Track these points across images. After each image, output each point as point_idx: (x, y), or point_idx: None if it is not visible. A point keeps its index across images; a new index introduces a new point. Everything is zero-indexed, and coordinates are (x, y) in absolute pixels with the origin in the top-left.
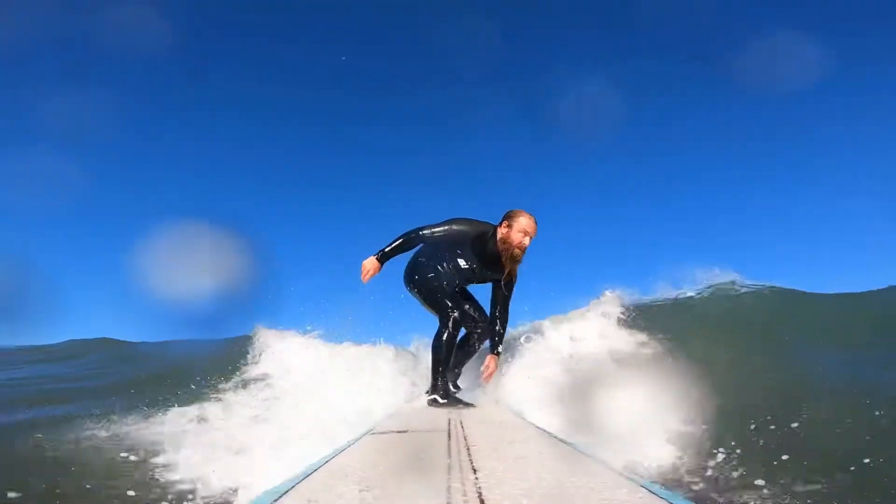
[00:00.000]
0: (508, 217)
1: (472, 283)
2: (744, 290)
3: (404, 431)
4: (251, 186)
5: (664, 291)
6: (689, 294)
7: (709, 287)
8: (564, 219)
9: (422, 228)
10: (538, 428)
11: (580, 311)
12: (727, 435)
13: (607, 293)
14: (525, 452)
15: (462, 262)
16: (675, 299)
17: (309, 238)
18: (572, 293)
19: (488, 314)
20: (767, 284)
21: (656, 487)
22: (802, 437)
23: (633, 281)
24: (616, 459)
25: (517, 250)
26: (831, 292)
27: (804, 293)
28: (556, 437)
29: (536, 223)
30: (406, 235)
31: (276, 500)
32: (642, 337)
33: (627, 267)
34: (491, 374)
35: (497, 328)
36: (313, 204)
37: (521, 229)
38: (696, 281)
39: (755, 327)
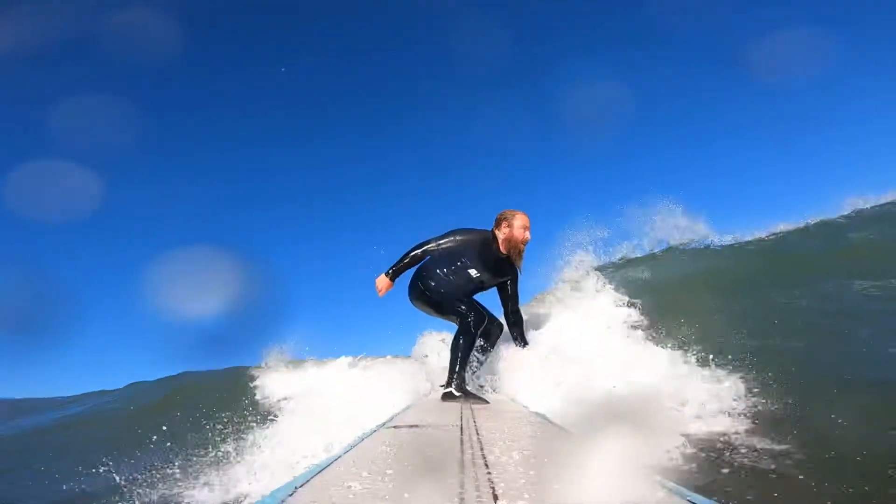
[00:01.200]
0: (504, 219)
1: (481, 290)
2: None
3: (417, 426)
4: (257, 200)
5: (619, 248)
6: (648, 249)
7: (664, 244)
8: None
9: (426, 243)
10: (552, 423)
11: (555, 290)
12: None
13: (573, 257)
14: (539, 447)
15: (473, 272)
16: (638, 258)
17: (313, 250)
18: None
19: (499, 316)
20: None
21: (671, 484)
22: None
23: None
24: (631, 451)
25: (522, 245)
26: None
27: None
28: (570, 431)
29: (529, 219)
30: (412, 251)
31: (290, 495)
32: (624, 300)
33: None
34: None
35: (516, 327)
36: (310, 209)
37: (521, 226)
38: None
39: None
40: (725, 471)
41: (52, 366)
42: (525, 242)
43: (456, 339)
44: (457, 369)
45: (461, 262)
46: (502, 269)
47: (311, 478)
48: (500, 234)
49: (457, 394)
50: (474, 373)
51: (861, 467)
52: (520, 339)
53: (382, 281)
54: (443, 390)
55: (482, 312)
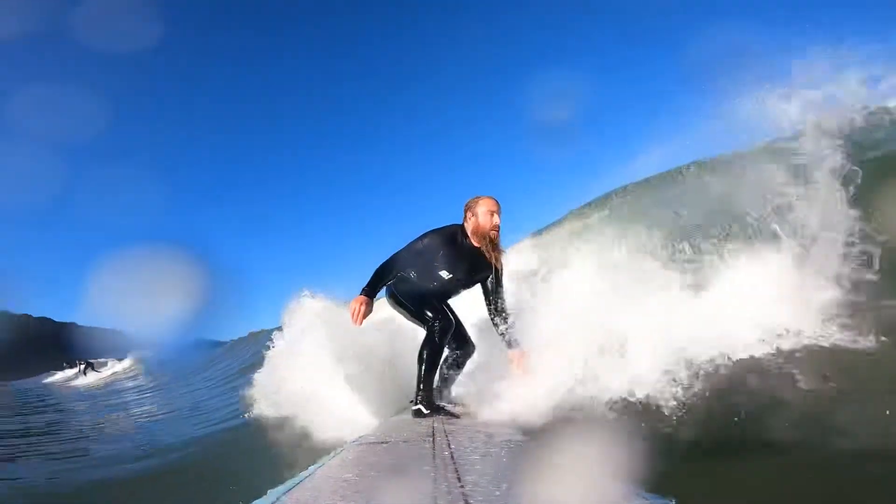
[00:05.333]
0: (469, 208)
1: (460, 290)
2: None
3: (388, 442)
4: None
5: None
6: None
7: None
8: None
9: (394, 255)
10: (524, 437)
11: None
12: None
13: None
14: (511, 462)
15: (444, 273)
16: None
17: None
18: None
19: (488, 313)
20: None
21: (644, 495)
22: None
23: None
24: (603, 463)
25: (493, 232)
26: None
27: None
28: (542, 446)
29: (497, 201)
30: (382, 267)
31: None
32: None
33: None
34: (525, 367)
35: (501, 325)
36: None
37: (486, 211)
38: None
39: None
40: (709, 478)
41: None
42: (495, 229)
43: (421, 350)
44: (422, 384)
45: (432, 266)
46: (479, 262)
47: (282, 496)
48: (468, 226)
49: (426, 411)
50: (444, 388)
51: None
52: (510, 337)
53: (359, 301)
54: (412, 407)
55: (450, 319)
